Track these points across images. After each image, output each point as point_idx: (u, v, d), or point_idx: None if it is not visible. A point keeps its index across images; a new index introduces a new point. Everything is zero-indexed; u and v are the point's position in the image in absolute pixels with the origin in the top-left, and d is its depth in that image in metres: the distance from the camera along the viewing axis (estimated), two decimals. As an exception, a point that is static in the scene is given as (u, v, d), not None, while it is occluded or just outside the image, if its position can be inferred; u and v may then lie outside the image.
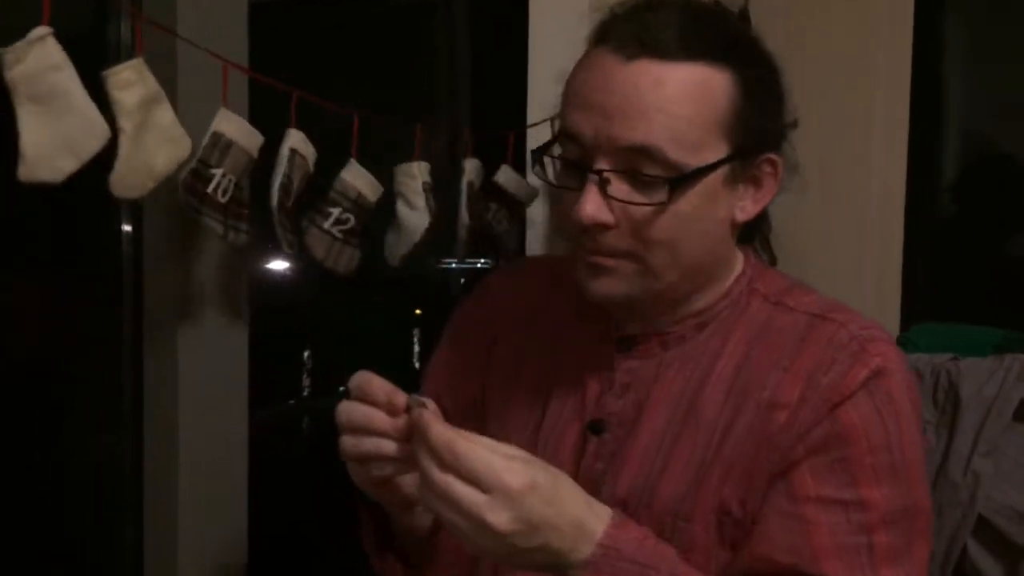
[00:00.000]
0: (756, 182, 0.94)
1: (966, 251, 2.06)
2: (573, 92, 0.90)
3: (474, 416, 1.06)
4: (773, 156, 0.93)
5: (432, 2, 2.19)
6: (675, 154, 0.86)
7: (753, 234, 1.04)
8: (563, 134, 0.90)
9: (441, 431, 0.79)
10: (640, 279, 0.91)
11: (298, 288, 2.28)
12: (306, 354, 2.45)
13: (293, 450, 2.39)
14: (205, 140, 1.21)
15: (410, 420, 0.82)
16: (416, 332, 2.58)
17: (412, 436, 0.81)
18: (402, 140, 1.54)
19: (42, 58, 1.05)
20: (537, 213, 1.80)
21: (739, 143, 0.90)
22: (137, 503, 1.55)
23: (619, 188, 0.88)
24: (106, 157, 1.11)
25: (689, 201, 0.88)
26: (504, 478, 0.78)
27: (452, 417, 1.03)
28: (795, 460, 0.89)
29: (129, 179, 1.13)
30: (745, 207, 0.95)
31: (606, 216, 0.88)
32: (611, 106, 0.86)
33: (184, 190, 1.19)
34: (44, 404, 1.67)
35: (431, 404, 0.83)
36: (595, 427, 0.98)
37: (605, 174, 0.87)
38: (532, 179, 1.72)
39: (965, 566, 1.36)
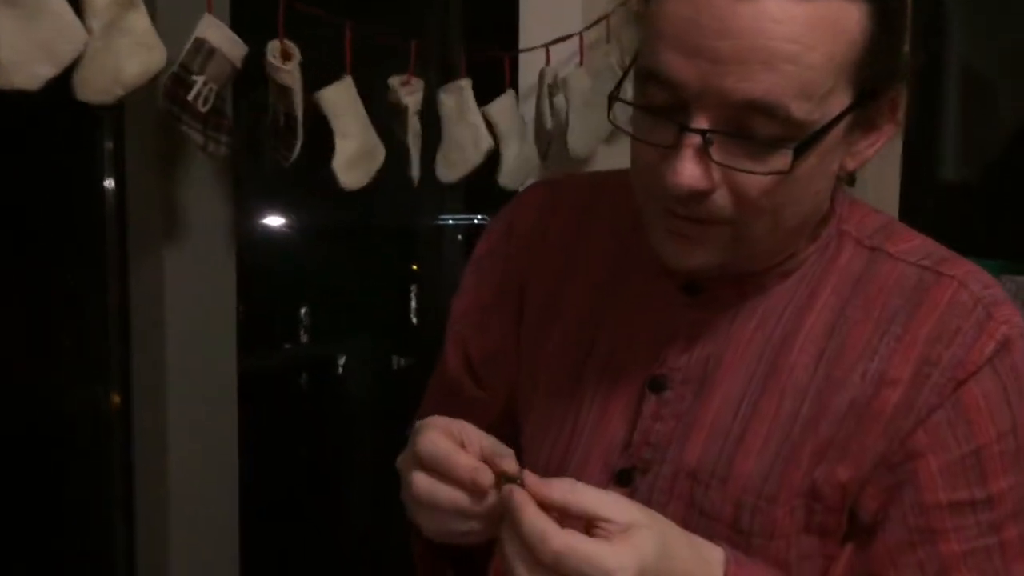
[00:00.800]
0: (873, 125, 0.79)
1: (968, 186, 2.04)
2: (668, 28, 0.72)
3: (504, 368, 0.94)
4: (895, 93, 0.78)
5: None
6: (799, 110, 0.70)
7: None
8: (649, 76, 0.73)
9: (532, 520, 0.68)
10: (733, 246, 0.77)
11: (294, 245, 2.26)
12: (303, 311, 2.42)
13: (288, 398, 2.38)
14: (188, 45, 1.17)
15: (501, 498, 0.71)
16: (413, 288, 2.55)
17: (503, 515, 0.70)
18: (388, 57, 1.50)
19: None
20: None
21: (866, 86, 0.74)
22: (126, 429, 1.53)
23: (725, 151, 0.72)
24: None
25: (807, 163, 0.73)
26: (608, 566, 0.67)
27: (480, 366, 0.95)
28: (917, 451, 0.77)
29: (95, 82, 1.08)
30: (858, 153, 0.79)
31: (705, 183, 0.73)
32: (724, 51, 0.69)
33: (164, 96, 1.16)
34: (22, 335, 1.65)
35: (528, 477, 0.71)
36: (656, 384, 0.84)
37: (709, 135, 0.71)
38: (526, 111, 1.69)
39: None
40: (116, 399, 1.57)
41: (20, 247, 1.61)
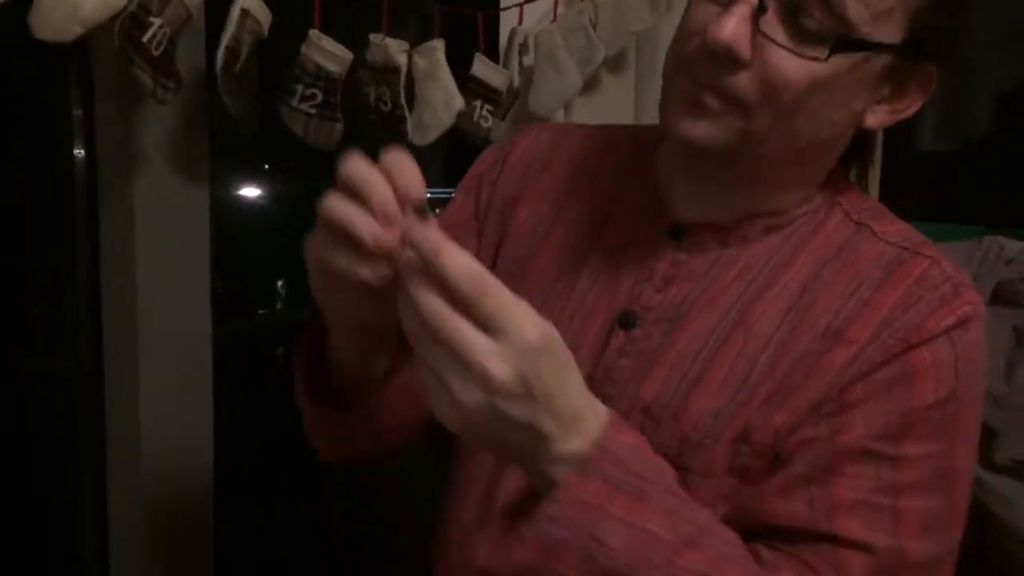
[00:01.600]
0: (903, 90, 0.80)
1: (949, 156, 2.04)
2: None
3: None
4: (933, 68, 0.79)
5: None
6: (855, 11, 0.72)
7: (852, 157, 0.88)
8: None
9: (461, 257, 0.63)
10: (739, 138, 0.77)
11: (268, 213, 2.23)
12: (279, 283, 2.39)
13: (264, 365, 2.35)
14: (145, -15, 1.14)
15: (407, 231, 0.67)
16: None
17: (403, 249, 0.67)
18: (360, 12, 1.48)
19: None
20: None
21: (917, 36, 0.75)
22: (98, 398, 1.51)
23: (772, 28, 0.73)
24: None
25: (837, 73, 0.74)
26: (524, 327, 0.64)
27: None
28: (850, 402, 0.78)
29: (51, 19, 1.06)
30: (880, 112, 0.81)
31: (743, 47, 0.73)
32: None
33: (120, 34, 1.14)
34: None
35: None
36: (626, 319, 0.85)
37: (764, 3, 0.72)
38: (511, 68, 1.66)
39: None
40: (86, 367, 1.54)
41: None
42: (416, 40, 1.56)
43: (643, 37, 1.76)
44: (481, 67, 1.60)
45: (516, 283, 0.86)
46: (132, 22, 1.14)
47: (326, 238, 0.71)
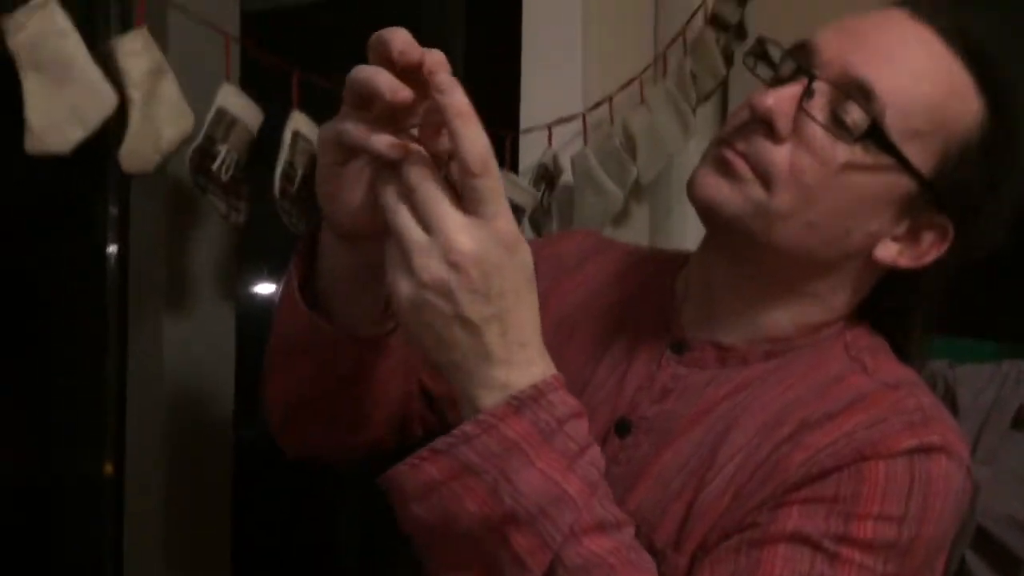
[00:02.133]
0: (918, 235, 0.83)
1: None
2: (837, 20, 0.82)
3: None
4: (949, 223, 0.82)
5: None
6: (892, 121, 0.77)
7: (893, 318, 0.90)
8: (798, 43, 0.82)
9: (481, 130, 0.66)
10: (757, 211, 0.79)
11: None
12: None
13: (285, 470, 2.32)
14: (210, 116, 1.17)
15: (433, 84, 0.67)
16: None
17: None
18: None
19: (46, 24, 1.01)
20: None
21: (941, 179, 0.80)
22: (118, 500, 1.49)
23: (817, 107, 0.78)
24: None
25: (860, 171, 0.78)
26: (506, 219, 0.66)
27: None
28: (794, 499, 0.77)
29: (139, 152, 1.09)
30: (890, 248, 0.83)
31: (783, 118, 0.78)
32: (870, 39, 0.79)
33: (192, 168, 1.16)
34: (17, 404, 1.60)
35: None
36: (622, 427, 0.88)
37: (816, 84, 0.78)
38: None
39: (964, 578, 1.35)
40: (109, 468, 1.52)
41: (18, 314, 1.57)
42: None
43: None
44: (508, 187, 1.64)
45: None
46: (200, 154, 1.17)
47: (344, 110, 0.71)
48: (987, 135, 0.81)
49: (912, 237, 0.84)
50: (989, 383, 1.42)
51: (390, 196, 0.68)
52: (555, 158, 1.66)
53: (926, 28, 0.80)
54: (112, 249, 1.52)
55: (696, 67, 1.82)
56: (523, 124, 1.74)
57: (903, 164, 0.79)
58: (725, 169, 0.80)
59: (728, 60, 1.84)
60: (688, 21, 1.83)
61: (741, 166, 0.79)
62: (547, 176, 1.65)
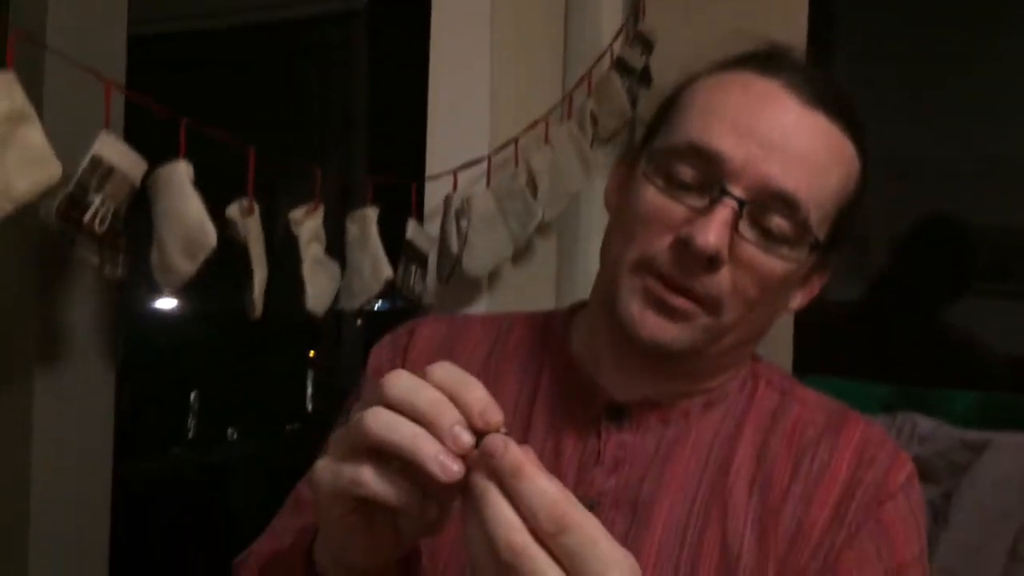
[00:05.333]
0: (810, 279, 0.87)
1: (856, 306, 2.11)
2: (722, 109, 0.78)
3: None
4: (834, 261, 0.87)
5: (329, 42, 2.15)
6: (814, 218, 0.78)
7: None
8: (690, 150, 0.78)
9: (541, 480, 0.56)
10: (704, 334, 0.80)
11: (185, 328, 2.18)
12: (192, 395, 2.32)
13: (172, 505, 2.25)
14: (84, 164, 1.11)
15: (488, 442, 0.58)
16: (310, 375, 2.49)
17: (474, 469, 0.59)
18: (284, 182, 1.46)
19: None
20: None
21: (834, 233, 0.83)
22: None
23: (749, 229, 0.78)
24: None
25: (790, 268, 0.80)
26: (610, 573, 0.56)
27: None
28: (844, 568, 0.80)
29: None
30: (796, 299, 0.87)
31: (725, 252, 0.76)
32: (776, 141, 0.77)
33: (59, 218, 1.09)
34: None
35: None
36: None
37: (746, 206, 0.76)
38: (431, 230, 1.68)
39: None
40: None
41: None
42: (344, 204, 1.57)
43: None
44: (414, 232, 1.62)
45: None
46: (69, 203, 1.10)
47: (344, 454, 0.62)
48: (861, 182, 0.84)
49: (807, 282, 0.88)
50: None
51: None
52: (463, 201, 1.65)
53: (809, 109, 0.79)
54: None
55: (600, 108, 1.83)
56: (430, 168, 1.72)
57: (818, 247, 0.81)
58: (670, 312, 0.78)
59: (634, 102, 1.86)
60: (594, 65, 1.83)
61: (686, 305, 0.78)
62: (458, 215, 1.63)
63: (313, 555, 0.72)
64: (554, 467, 0.85)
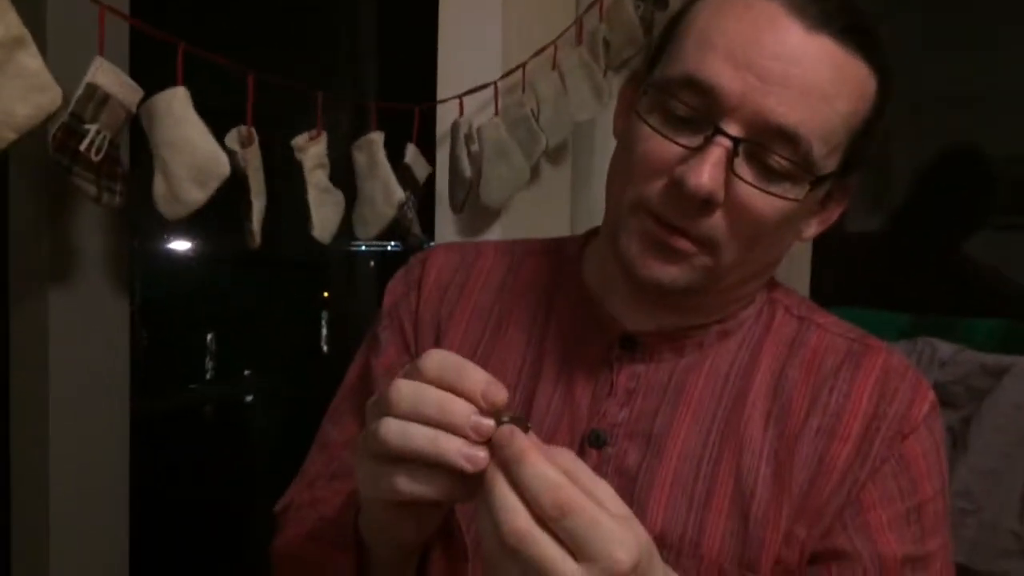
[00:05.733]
0: (827, 206, 0.83)
1: (875, 237, 2.08)
2: (720, 40, 0.73)
3: None
4: (855, 178, 0.82)
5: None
6: (818, 151, 0.73)
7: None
8: (686, 83, 0.74)
9: (542, 467, 0.58)
10: (703, 274, 0.77)
11: (199, 269, 2.18)
12: (209, 337, 2.33)
13: (191, 440, 2.28)
14: (79, 92, 1.10)
15: (496, 435, 0.60)
16: (324, 315, 2.49)
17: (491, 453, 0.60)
18: (292, 109, 1.44)
19: None
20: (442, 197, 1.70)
21: (852, 157, 0.78)
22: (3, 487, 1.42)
23: (745, 167, 0.73)
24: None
25: (792, 202, 0.75)
26: (614, 552, 0.57)
27: None
28: (868, 504, 0.79)
29: (-15, 128, 1.01)
30: (811, 225, 0.83)
31: (720, 192, 0.73)
32: (775, 72, 0.72)
33: (54, 147, 1.08)
34: None
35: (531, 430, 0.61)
36: (596, 438, 0.82)
37: (741, 145, 0.72)
38: (440, 159, 1.66)
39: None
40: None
41: None
42: (352, 134, 1.55)
43: (578, 126, 1.78)
44: (413, 157, 1.59)
45: None
46: (65, 132, 1.09)
47: (399, 472, 0.62)
48: (878, 102, 0.78)
49: (824, 209, 0.83)
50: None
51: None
52: (471, 127, 1.62)
53: (813, 33, 0.73)
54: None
55: (612, 34, 1.78)
56: (440, 94, 1.69)
57: (829, 178, 0.77)
58: (668, 253, 0.76)
59: (648, 28, 1.80)
60: (607, -14, 1.78)
61: (685, 245, 0.76)
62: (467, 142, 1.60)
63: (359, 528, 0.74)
64: (567, 399, 0.84)
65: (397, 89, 1.78)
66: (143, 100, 1.18)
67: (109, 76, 1.13)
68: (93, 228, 1.36)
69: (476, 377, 0.61)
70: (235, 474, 2.29)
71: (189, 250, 2.19)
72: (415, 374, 0.62)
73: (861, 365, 0.82)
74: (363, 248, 2.40)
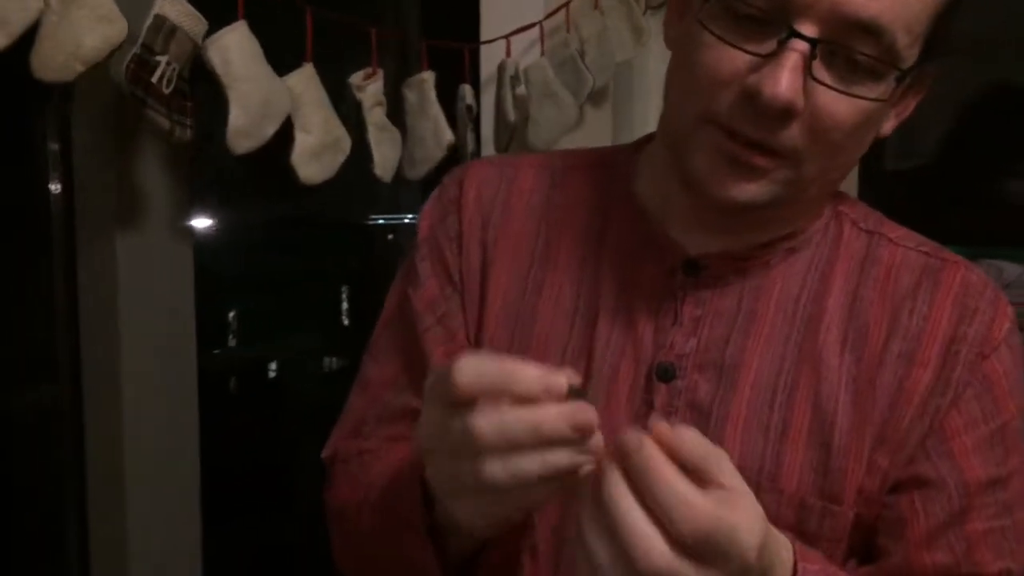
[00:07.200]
0: (905, 98, 0.76)
1: (922, 171, 2.08)
2: None
3: None
4: (933, 68, 0.75)
5: None
6: (902, 41, 0.67)
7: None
8: None
9: (677, 484, 0.54)
10: (786, 187, 0.71)
11: (220, 239, 2.17)
12: (231, 315, 2.32)
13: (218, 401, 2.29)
14: (147, 23, 1.11)
15: (620, 443, 0.55)
16: (345, 289, 2.48)
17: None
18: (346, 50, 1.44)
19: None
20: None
21: (932, 46, 0.71)
22: (77, 430, 1.44)
23: (824, 70, 0.68)
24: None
25: (875, 102, 0.69)
26: (744, 552, 0.54)
27: None
28: (952, 431, 0.76)
29: (53, 59, 1.02)
30: (890, 123, 0.76)
31: (801, 100, 0.67)
32: None
33: (129, 79, 1.09)
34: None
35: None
36: (663, 372, 0.77)
37: (819, 46, 0.66)
38: (486, 103, 1.66)
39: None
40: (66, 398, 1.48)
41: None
42: (400, 74, 1.55)
43: (617, 68, 1.78)
44: (471, 97, 1.60)
45: (526, 354, 0.77)
46: (138, 64, 1.10)
47: (504, 460, 0.56)
48: None
49: (901, 102, 0.77)
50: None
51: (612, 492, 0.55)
52: (517, 68, 1.62)
53: None
54: (55, 186, 1.46)
55: (653, -29, 1.78)
56: (484, 34, 1.69)
57: (915, 69, 0.71)
58: (746, 170, 0.70)
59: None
60: (647, -75, 1.77)
61: (763, 162, 0.70)
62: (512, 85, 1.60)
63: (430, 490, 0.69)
64: (628, 330, 0.79)
65: (439, 30, 1.78)
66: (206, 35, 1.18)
67: (175, 7, 1.14)
68: (157, 171, 1.37)
69: (529, 376, 0.56)
70: (274, 435, 2.31)
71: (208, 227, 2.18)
72: (452, 390, 0.56)
73: (940, 282, 0.78)
74: (380, 221, 2.38)
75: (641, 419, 0.76)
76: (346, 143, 1.36)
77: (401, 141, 1.47)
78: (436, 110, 1.50)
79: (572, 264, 0.82)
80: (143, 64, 1.10)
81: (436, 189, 0.88)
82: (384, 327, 0.88)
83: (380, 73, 1.39)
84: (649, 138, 0.85)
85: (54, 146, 1.45)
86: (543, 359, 0.74)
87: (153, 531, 1.44)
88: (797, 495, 0.74)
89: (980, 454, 0.76)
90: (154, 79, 1.11)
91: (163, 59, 1.11)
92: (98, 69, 1.08)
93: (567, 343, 0.80)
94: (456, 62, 1.61)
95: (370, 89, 1.37)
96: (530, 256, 0.83)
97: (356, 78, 1.37)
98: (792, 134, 0.68)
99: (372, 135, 1.37)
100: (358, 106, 1.39)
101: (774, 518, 0.68)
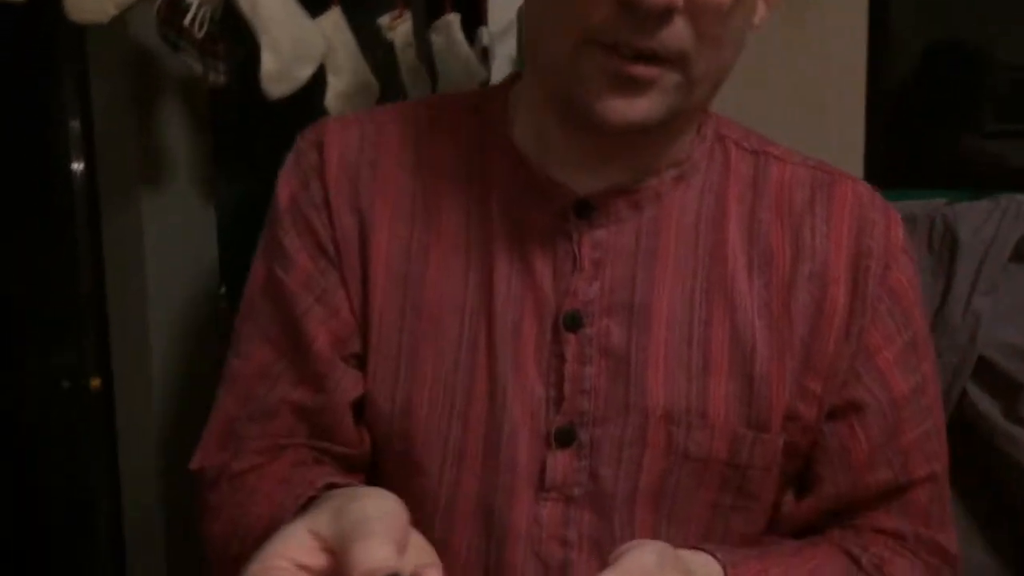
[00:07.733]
0: None
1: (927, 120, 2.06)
2: None
3: (356, 339, 0.76)
4: None
5: None
6: None
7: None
8: None
9: None
10: (677, 95, 0.67)
11: (244, 199, 2.15)
12: (222, 289, 2.30)
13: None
14: (178, -35, 1.08)
15: None
16: None
17: None
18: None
19: None
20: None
21: None
22: (108, 402, 1.44)
23: None
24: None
25: None
26: None
27: (341, 345, 0.75)
28: (874, 347, 0.76)
29: (86, 2, 1.00)
30: (760, 10, 0.72)
31: None
32: None
33: (161, 22, 1.07)
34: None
35: None
36: (571, 320, 0.73)
37: None
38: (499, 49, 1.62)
39: (964, 408, 1.37)
40: (96, 381, 1.46)
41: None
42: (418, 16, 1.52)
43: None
44: (490, 39, 1.57)
45: (419, 325, 0.74)
46: (169, 7, 1.07)
47: None
48: None
49: None
50: (988, 218, 1.41)
51: None
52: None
53: None
54: (77, 165, 1.44)
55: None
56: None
57: None
58: (634, 86, 0.66)
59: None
60: None
61: (650, 72, 0.66)
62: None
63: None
64: (527, 282, 0.74)
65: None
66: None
67: (204, -51, 1.11)
68: (179, 128, 1.35)
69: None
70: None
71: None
72: None
73: (834, 197, 0.77)
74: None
75: (553, 372, 0.73)
76: (375, 88, 1.34)
77: (431, 82, 1.45)
78: (466, 50, 1.48)
79: (457, 220, 0.76)
80: (175, 7, 1.08)
81: (291, 154, 0.79)
82: (247, 314, 0.79)
83: (408, 13, 1.36)
84: (515, 77, 0.81)
85: (75, 123, 1.42)
86: (439, 324, 0.74)
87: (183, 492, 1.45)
88: (727, 428, 0.73)
89: (900, 366, 0.77)
90: (186, 22, 1.08)
91: (195, 1, 1.09)
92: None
93: (463, 304, 0.75)
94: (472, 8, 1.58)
95: (400, 29, 1.34)
96: (410, 217, 0.76)
97: (385, 19, 1.35)
98: (677, 33, 0.65)
99: (406, 76, 1.35)
100: (385, 52, 1.37)
101: (707, 453, 0.73)
